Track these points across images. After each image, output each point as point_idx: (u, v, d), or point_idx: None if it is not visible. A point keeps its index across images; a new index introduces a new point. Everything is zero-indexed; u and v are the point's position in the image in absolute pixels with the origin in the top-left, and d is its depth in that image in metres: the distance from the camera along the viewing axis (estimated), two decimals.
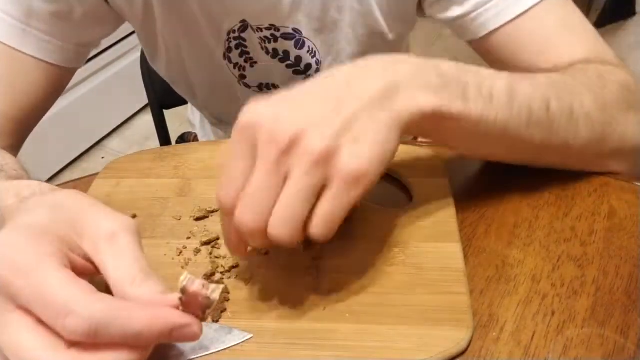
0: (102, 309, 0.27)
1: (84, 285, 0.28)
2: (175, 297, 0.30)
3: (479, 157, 0.51)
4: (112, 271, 0.31)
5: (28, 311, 0.28)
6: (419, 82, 0.38)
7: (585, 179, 0.49)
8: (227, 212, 0.36)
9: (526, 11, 0.53)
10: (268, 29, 0.63)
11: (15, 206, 0.36)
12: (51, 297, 0.27)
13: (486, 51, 0.58)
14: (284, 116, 0.35)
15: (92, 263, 0.32)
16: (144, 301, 0.30)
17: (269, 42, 0.65)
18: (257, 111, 0.35)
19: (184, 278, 0.31)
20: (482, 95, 0.40)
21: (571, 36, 0.54)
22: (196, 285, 0.31)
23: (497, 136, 0.42)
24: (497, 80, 0.41)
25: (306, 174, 0.34)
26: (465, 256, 0.43)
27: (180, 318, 0.30)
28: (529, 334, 0.38)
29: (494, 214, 0.47)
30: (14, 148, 0.58)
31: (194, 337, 0.31)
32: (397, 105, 0.37)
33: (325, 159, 0.34)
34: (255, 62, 0.69)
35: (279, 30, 0.63)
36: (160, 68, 0.74)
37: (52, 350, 0.27)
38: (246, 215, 0.34)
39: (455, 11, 0.57)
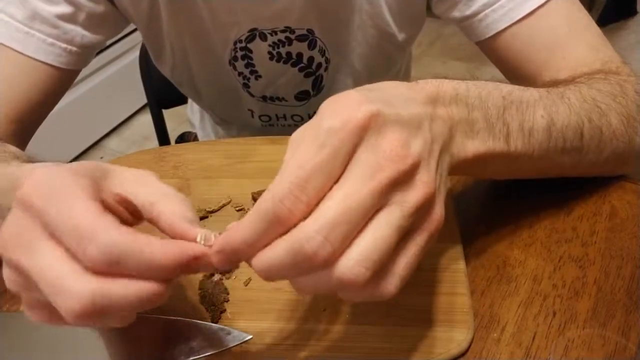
0: (123, 239, 0.27)
1: (109, 217, 0.28)
2: (196, 232, 0.31)
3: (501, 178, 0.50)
4: (142, 195, 0.32)
5: (59, 242, 0.28)
6: (465, 127, 0.36)
7: (586, 180, 0.49)
8: (276, 221, 0.27)
9: (533, 12, 0.53)
10: (283, 31, 0.63)
11: None
12: (77, 223, 0.27)
13: (493, 52, 0.58)
14: (412, 135, 0.30)
15: (124, 204, 0.32)
16: (170, 217, 0.31)
17: (283, 46, 0.65)
18: (381, 113, 0.29)
19: (200, 238, 0.31)
20: (522, 133, 0.40)
21: (577, 36, 0.54)
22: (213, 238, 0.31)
23: (531, 165, 0.42)
24: (537, 116, 0.41)
25: (410, 215, 0.28)
26: (466, 257, 0.43)
27: (197, 249, 0.29)
28: (530, 335, 0.38)
29: (494, 215, 0.47)
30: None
31: (211, 268, 0.30)
32: (452, 149, 0.35)
33: (429, 204, 0.29)
34: (260, 76, 0.70)
35: (294, 32, 0.64)
36: (165, 69, 0.74)
37: (76, 274, 0.27)
38: (323, 244, 0.26)
39: (462, 11, 0.57)
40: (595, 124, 0.44)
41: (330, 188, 0.28)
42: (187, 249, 0.29)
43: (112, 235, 0.27)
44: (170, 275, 0.29)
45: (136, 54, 1.02)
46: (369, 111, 0.28)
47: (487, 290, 0.41)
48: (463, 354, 0.37)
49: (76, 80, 0.64)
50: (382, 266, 0.28)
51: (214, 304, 0.41)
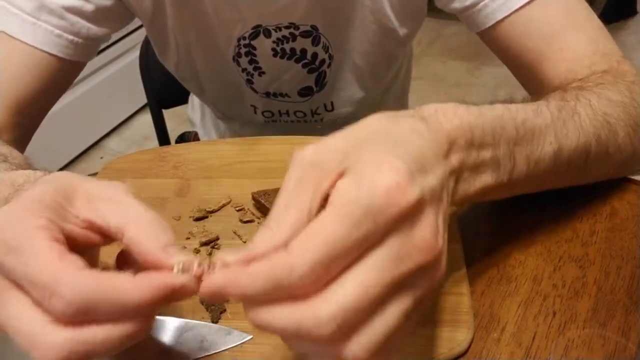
0: (87, 286, 0.26)
1: (71, 261, 0.27)
2: (172, 261, 0.28)
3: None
4: (110, 218, 0.29)
5: (27, 292, 0.27)
6: (472, 169, 0.34)
7: None
8: (287, 291, 0.25)
9: (531, 1, 0.54)
10: (287, 27, 0.64)
11: (12, 196, 0.35)
12: (36, 277, 0.26)
13: (493, 42, 0.58)
14: (441, 214, 0.28)
15: (92, 228, 0.30)
16: (148, 240, 0.28)
17: (287, 42, 0.66)
18: (424, 200, 0.27)
19: (177, 268, 0.28)
20: (528, 164, 0.39)
21: (576, 27, 0.54)
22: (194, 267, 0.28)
23: (531, 187, 0.42)
24: (546, 145, 0.40)
25: (421, 299, 0.27)
26: (466, 257, 0.43)
27: (175, 281, 0.27)
28: (530, 335, 0.38)
29: (494, 215, 0.47)
30: (18, 143, 0.58)
31: (192, 294, 0.28)
32: (456, 192, 0.33)
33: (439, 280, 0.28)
34: (264, 72, 0.70)
35: (298, 28, 0.64)
36: (170, 65, 0.74)
37: (47, 326, 0.26)
38: (333, 330, 0.24)
39: (462, 2, 0.58)
40: (603, 141, 0.44)
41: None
42: (162, 283, 0.27)
43: (76, 283, 0.25)
44: (149, 311, 0.27)
45: (136, 54, 1.02)
46: (414, 198, 0.26)
47: (487, 290, 0.41)
48: (463, 354, 0.37)
49: (76, 80, 0.65)
50: (384, 350, 0.26)
51: (214, 304, 0.41)
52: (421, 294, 0.27)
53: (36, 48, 0.56)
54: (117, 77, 1.93)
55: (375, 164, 0.26)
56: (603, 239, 0.44)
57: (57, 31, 0.57)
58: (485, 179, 0.36)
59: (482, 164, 0.35)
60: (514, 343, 0.37)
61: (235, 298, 0.26)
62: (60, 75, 0.59)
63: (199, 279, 0.27)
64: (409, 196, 0.26)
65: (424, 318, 0.38)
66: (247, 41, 0.66)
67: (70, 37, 0.58)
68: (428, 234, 0.26)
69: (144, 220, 0.29)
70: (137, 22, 0.67)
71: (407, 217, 0.26)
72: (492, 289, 0.41)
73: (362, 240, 0.25)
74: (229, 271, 0.26)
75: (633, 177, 0.50)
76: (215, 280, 0.26)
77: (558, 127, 0.41)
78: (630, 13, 2.31)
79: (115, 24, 0.63)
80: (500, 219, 0.47)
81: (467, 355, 0.37)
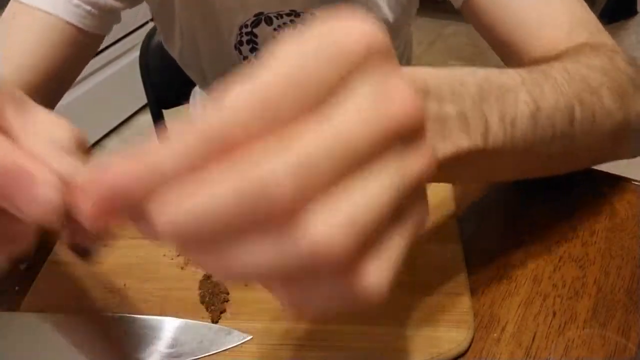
0: None
1: None
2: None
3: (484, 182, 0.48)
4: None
5: None
6: (436, 126, 0.30)
7: (586, 179, 0.49)
8: (220, 142, 0.18)
9: None
10: (288, 14, 0.65)
11: None
12: None
13: (473, 17, 0.57)
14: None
15: None
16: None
17: (288, 30, 0.67)
18: (391, 51, 0.21)
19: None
20: (503, 125, 0.34)
21: (558, 1, 0.53)
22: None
23: (514, 162, 0.38)
24: (520, 103, 0.35)
25: (410, 185, 0.21)
26: (466, 256, 0.43)
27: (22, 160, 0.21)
28: (530, 335, 0.38)
29: (494, 214, 0.47)
30: None
31: (43, 201, 0.20)
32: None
33: (424, 185, 0.24)
34: None
35: (299, 15, 0.65)
36: (174, 50, 0.75)
37: None
38: (292, 189, 0.17)
39: None
40: (587, 105, 0.40)
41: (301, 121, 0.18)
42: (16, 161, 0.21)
43: None
44: None
45: (136, 54, 1.02)
46: (375, 33, 0.20)
47: (487, 290, 0.41)
48: (463, 354, 0.37)
49: (76, 81, 0.65)
50: (368, 241, 0.19)
51: (214, 304, 0.41)
52: (410, 175, 0.21)
53: (55, 16, 0.57)
54: (117, 77, 1.93)
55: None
56: (603, 239, 0.44)
57: (76, 1, 0.57)
58: (457, 140, 0.30)
59: (447, 118, 0.30)
60: (514, 343, 0.37)
61: (140, 181, 0.18)
62: (79, 47, 0.60)
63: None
64: (369, 29, 0.20)
65: (424, 317, 0.38)
66: (249, 29, 0.67)
67: (88, 7, 0.59)
68: (406, 90, 0.21)
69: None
70: (137, 23, 0.67)
71: (372, 60, 0.20)
72: (492, 289, 0.41)
73: (324, 73, 0.19)
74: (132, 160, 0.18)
75: (632, 178, 0.50)
76: (106, 165, 0.18)
77: (530, 87, 0.36)
78: (630, 13, 2.32)
79: (128, 1, 0.64)
80: (500, 218, 0.47)
81: (467, 355, 0.37)
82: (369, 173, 0.19)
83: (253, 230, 0.18)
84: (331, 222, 0.18)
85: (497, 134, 0.33)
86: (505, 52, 0.56)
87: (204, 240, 0.18)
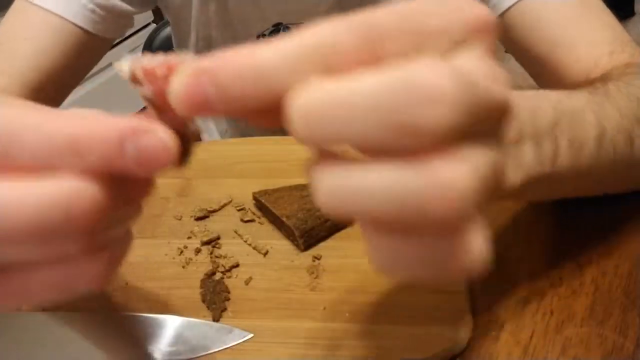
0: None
1: None
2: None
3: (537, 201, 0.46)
4: None
5: None
6: (514, 155, 0.29)
7: None
8: (327, 51, 0.19)
9: None
10: None
11: None
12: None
13: (503, 33, 0.56)
14: None
15: None
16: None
17: None
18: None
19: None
20: (572, 149, 0.34)
21: (590, 11, 0.52)
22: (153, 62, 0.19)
23: (574, 184, 0.37)
24: (588, 125, 0.35)
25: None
26: None
27: (133, 121, 0.20)
28: (528, 333, 0.38)
29: (493, 213, 0.48)
30: None
31: (162, 148, 0.20)
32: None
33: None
34: None
35: None
36: None
37: None
38: (452, 89, 0.17)
39: None
40: None
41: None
42: (116, 121, 0.20)
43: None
44: (97, 162, 0.20)
45: (138, 54, 1.02)
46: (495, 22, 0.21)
47: (485, 289, 0.41)
48: (462, 352, 0.37)
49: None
50: (482, 204, 0.20)
51: (215, 302, 0.41)
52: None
53: (71, 22, 0.57)
54: (117, 79, 1.92)
55: None
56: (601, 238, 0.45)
57: (91, 5, 0.58)
58: (529, 168, 0.29)
59: (523, 145, 0.29)
60: (512, 341, 0.38)
61: (251, 76, 0.19)
62: (87, 52, 0.60)
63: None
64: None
65: (423, 316, 0.38)
66: (266, 39, 0.67)
67: (103, 13, 0.59)
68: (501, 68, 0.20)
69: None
70: (137, 24, 0.68)
71: (488, 42, 0.21)
72: (490, 287, 0.41)
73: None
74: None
75: None
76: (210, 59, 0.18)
77: (595, 108, 0.36)
78: (628, 14, 2.32)
79: (144, 5, 0.65)
80: (499, 217, 0.47)
81: (466, 354, 0.37)
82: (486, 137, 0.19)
83: (393, 150, 0.17)
84: (469, 170, 0.17)
85: (564, 158, 0.33)
86: (540, 70, 0.55)
87: (332, 132, 0.17)
